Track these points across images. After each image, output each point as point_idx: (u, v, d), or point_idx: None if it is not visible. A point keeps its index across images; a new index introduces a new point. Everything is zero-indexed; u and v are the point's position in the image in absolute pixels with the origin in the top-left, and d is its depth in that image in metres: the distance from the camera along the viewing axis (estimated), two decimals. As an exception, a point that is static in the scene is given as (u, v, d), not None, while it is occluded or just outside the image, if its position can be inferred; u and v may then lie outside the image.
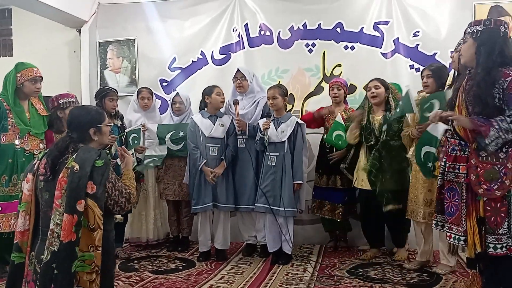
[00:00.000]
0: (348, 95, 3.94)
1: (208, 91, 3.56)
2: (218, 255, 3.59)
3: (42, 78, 3.13)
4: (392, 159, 3.20)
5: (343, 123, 3.51)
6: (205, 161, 3.46)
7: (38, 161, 1.92)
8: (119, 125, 3.67)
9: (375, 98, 3.34)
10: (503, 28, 2.18)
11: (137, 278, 3.16)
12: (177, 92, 3.90)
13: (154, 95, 4.01)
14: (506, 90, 2.08)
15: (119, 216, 3.40)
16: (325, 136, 3.68)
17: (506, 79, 2.09)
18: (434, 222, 2.44)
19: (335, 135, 3.52)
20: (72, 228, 1.70)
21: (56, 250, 1.71)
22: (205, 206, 3.47)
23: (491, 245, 2.13)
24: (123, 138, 3.58)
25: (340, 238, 3.86)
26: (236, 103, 3.51)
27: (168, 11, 4.55)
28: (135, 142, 3.58)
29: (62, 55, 4.95)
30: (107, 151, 3.18)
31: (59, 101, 3.28)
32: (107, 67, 4.70)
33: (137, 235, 3.96)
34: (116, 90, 3.76)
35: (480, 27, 2.20)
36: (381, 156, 3.22)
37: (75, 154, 1.82)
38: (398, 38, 3.98)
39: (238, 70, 3.62)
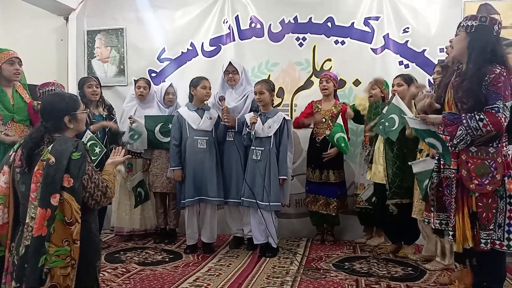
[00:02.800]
0: (337, 90, 3.95)
1: (194, 83, 3.54)
2: (205, 248, 3.58)
3: (20, 60, 3.02)
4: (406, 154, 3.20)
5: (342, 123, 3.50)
6: (179, 168, 3.45)
7: (14, 153, 1.83)
8: (104, 115, 3.61)
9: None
10: (497, 27, 2.19)
11: (123, 269, 3.13)
12: (171, 83, 3.86)
13: (151, 86, 3.96)
14: (488, 86, 2.11)
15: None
16: (318, 130, 3.71)
17: (490, 76, 2.11)
18: (437, 221, 2.37)
19: (337, 137, 3.49)
20: (44, 222, 1.63)
21: (28, 244, 1.66)
22: (192, 200, 3.45)
23: (483, 241, 2.15)
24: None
25: (327, 232, 3.87)
26: (222, 99, 3.49)
27: (158, 1, 4.50)
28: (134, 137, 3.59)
29: (49, 43, 4.85)
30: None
31: (40, 91, 3.24)
32: (95, 56, 4.63)
33: (121, 224, 3.93)
34: (95, 77, 3.71)
35: (475, 22, 2.20)
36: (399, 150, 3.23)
37: (50, 146, 1.74)
38: (388, 34, 4.00)
39: (230, 63, 3.58)
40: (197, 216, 3.57)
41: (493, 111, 2.07)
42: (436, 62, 3.58)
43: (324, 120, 3.68)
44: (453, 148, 2.20)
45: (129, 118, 3.73)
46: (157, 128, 3.70)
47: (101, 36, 4.61)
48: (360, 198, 3.64)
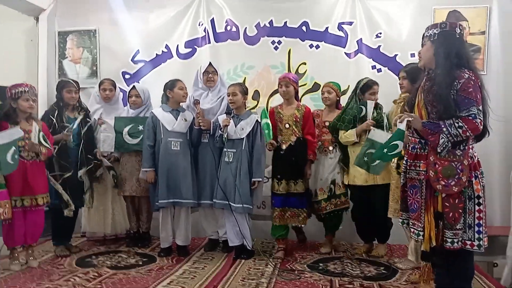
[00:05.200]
0: (311, 93, 4.00)
1: (170, 85, 3.51)
2: (179, 250, 3.54)
3: None
4: None
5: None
6: (152, 170, 3.42)
7: None
8: (79, 119, 3.53)
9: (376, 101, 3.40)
10: (459, 30, 2.27)
11: (95, 273, 3.06)
12: (133, 85, 3.82)
13: (117, 87, 3.90)
14: (458, 91, 2.17)
15: (67, 211, 3.33)
16: (283, 138, 3.44)
17: (460, 81, 2.17)
18: (400, 220, 2.51)
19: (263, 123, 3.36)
20: None
21: None
22: (166, 202, 3.40)
23: (449, 240, 2.21)
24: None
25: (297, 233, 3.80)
26: (196, 102, 3.47)
27: (133, 2, 4.46)
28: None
29: (18, 44, 4.72)
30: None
31: (11, 91, 3.15)
32: (66, 57, 4.54)
33: (94, 229, 3.86)
34: (76, 82, 3.64)
35: (437, 30, 2.28)
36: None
37: None
38: (361, 38, 4.07)
39: (210, 63, 3.58)
40: (171, 218, 3.53)
41: (470, 117, 2.13)
42: (407, 67, 3.67)
43: (287, 126, 3.45)
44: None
45: (98, 119, 3.67)
46: (126, 129, 3.64)
47: (73, 37, 4.53)
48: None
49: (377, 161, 2.75)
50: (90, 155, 3.57)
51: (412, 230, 2.38)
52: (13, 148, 2.89)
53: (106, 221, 3.83)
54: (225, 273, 3.07)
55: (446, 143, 2.17)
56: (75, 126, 3.44)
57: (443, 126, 2.16)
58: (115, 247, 3.77)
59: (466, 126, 2.13)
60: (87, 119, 3.62)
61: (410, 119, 2.29)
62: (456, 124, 2.14)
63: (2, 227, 3.13)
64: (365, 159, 2.86)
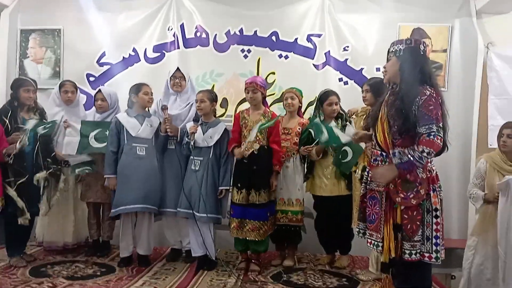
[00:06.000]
0: (278, 103, 4.01)
1: (135, 90, 3.43)
2: (140, 260, 3.44)
3: None
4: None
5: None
6: (114, 176, 3.33)
7: None
8: (35, 119, 3.36)
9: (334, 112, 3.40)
10: (423, 47, 2.34)
11: (49, 284, 2.93)
12: (99, 89, 3.71)
13: (78, 89, 3.77)
14: (420, 107, 2.22)
15: (22, 219, 3.16)
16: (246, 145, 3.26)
17: (422, 98, 2.22)
18: (357, 230, 2.55)
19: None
20: None
21: None
22: (127, 208, 3.29)
23: (407, 251, 2.25)
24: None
25: (251, 260, 3.41)
26: (164, 108, 3.41)
27: (101, 2, 4.35)
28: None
29: (-24, 40, 4.50)
30: None
31: None
32: (28, 57, 4.37)
33: (52, 238, 3.68)
34: (33, 81, 3.47)
35: (402, 46, 2.34)
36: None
37: None
38: (329, 51, 4.13)
39: (178, 69, 3.53)
40: (132, 227, 3.43)
41: (430, 137, 2.17)
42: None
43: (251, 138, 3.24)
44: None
45: (64, 122, 3.54)
46: (93, 133, 3.53)
47: (35, 35, 4.37)
48: None
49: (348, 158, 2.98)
50: (49, 159, 3.40)
51: (369, 240, 2.42)
52: None
53: (67, 229, 3.66)
54: (186, 285, 3.01)
55: (420, 170, 2.24)
56: (30, 127, 3.26)
57: (411, 159, 2.18)
58: (72, 256, 3.62)
59: (427, 148, 2.17)
60: (43, 119, 3.45)
61: (378, 179, 2.32)
62: (419, 150, 2.17)
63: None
64: (339, 156, 3.06)
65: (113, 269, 3.32)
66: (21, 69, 4.36)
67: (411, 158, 2.19)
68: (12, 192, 3.17)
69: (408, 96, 2.25)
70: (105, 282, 3.03)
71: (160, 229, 3.73)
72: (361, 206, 2.53)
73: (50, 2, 4.37)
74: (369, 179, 2.45)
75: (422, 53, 2.34)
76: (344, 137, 2.75)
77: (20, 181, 3.21)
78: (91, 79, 4.29)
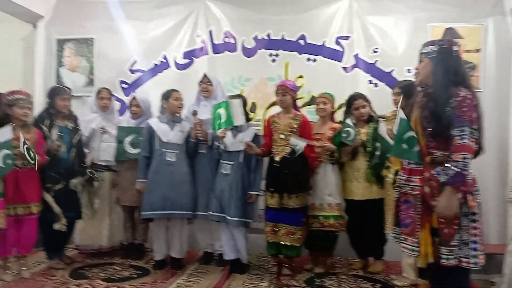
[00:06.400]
0: (307, 106, 4.01)
1: (165, 96, 3.50)
2: (173, 263, 3.51)
3: None
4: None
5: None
6: (144, 181, 3.40)
7: None
8: (70, 127, 3.48)
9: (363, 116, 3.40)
10: (456, 47, 2.29)
11: (88, 286, 3.03)
12: (134, 96, 3.81)
13: (113, 96, 3.89)
14: (454, 109, 2.18)
15: (57, 225, 3.26)
16: (277, 149, 3.31)
17: (456, 99, 2.18)
18: (392, 235, 2.50)
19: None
20: None
21: None
22: (157, 213, 3.36)
23: (444, 256, 2.21)
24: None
25: (283, 264, 3.41)
26: (194, 114, 3.47)
27: (131, 11, 4.46)
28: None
29: (16, 50, 4.70)
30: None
31: (7, 98, 3.11)
32: (64, 65, 4.53)
33: (88, 241, 3.79)
34: (69, 89, 3.59)
35: (435, 47, 2.29)
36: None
37: None
38: (358, 53, 4.11)
39: (205, 75, 3.60)
40: (165, 230, 3.49)
41: (462, 141, 2.12)
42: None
43: (282, 136, 3.30)
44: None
45: (101, 128, 3.65)
46: (128, 139, 3.63)
47: (70, 45, 4.53)
48: None
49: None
50: (84, 164, 3.51)
51: (403, 245, 2.38)
52: (5, 151, 2.81)
53: (102, 232, 3.77)
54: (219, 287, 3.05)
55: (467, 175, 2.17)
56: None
57: (460, 170, 2.11)
58: (109, 259, 3.72)
59: (465, 153, 2.13)
60: (77, 127, 3.56)
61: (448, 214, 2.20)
62: (465, 159, 2.10)
63: (-6, 236, 3.09)
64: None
65: (148, 272, 3.40)
66: (57, 77, 4.53)
67: (458, 170, 2.13)
68: (49, 198, 3.27)
69: (442, 98, 2.21)
70: (140, 284, 3.11)
71: (192, 232, 3.78)
72: (395, 211, 2.49)
73: (83, 12, 4.52)
74: (402, 182, 2.41)
75: (455, 54, 2.29)
76: None
77: (57, 188, 3.31)
78: (124, 86, 4.41)
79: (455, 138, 2.14)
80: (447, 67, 2.25)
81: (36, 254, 3.71)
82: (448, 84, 2.22)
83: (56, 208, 3.28)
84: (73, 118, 3.56)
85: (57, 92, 3.47)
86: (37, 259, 3.65)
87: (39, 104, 4.29)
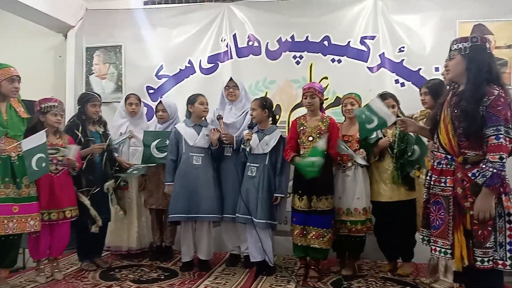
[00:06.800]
0: (332, 107, 3.98)
1: (191, 100, 3.55)
2: (201, 265, 3.54)
3: (19, 77, 2.99)
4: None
5: (321, 149, 3.10)
6: (171, 184, 3.43)
7: None
8: (101, 132, 3.59)
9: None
10: (488, 45, 2.23)
11: (118, 287, 3.08)
12: (160, 100, 3.88)
13: (141, 102, 3.97)
14: (487, 108, 2.11)
15: (94, 227, 3.35)
16: (305, 151, 3.25)
17: (489, 97, 2.12)
18: (420, 237, 2.44)
19: (309, 161, 3.11)
20: None
21: None
22: (184, 216, 3.40)
23: (479, 259, 2.14)
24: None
25: (310, 266, 3.38)
26: (219, 118, 3.50)
27: (156, 19, 4.56)
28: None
29: (47, 59, 4.90)
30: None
31: (41, 105, 3.22)
32: (93, 73, 4.66)
33: (118, 243, 3.87)
34: (99, 95, 3.68)
35: (467, 44, 2.22)
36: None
37: None
38: (384, 53, 4.05)
39: (231, 78, 3.63)
40: (192, 232, 3.53)
41: (498, 140, 2.06)
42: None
43: (311, 138, 3.28)
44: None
45: (128, 132, 3.73)
46: (154, 143, 3.69)
47: (99, 53, 4.66)
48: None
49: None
50: (115, 167, 3.59)
51: (433, 247, 2.31)
52: (40, 155, 2.89)
53: (131, 234, 3.84)
54: (247, 289, 3.05)
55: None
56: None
57: (497, 171, 2.05)
58: (138, 261, 3.79)
59: (502, 153, 2.07)
60: (106, 132, 3.65)
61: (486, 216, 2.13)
62: (502, 159, 2.05)
63: (28, 240, 3.19)
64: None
65: (176, 273, 3.44)
66: (87, 85, 4.67)
67: (495, 170, 2.06)
68: (86, 201, 3.36)
69: (475, 96, 2.15)
70: (169, 286, 3.14)
71: (218, 235, 3.81)
72: (424, 212, 2.42)
73: (110, 21, 4.65)
74: (431, 183, 2.35)
75: (488, 51, 2.23)
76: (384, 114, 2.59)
77: (93, 191, 3.40)
78: (151, 91, 4.50)
79: (491, 138, 2.08)
80: (481, 64, 2.18)
81: (67, 257, 3.82)
82: (482, 82, 2.16)
83: (93, 211, 3.36)
84: (103, 123, 3.66)
85: (87, 99, 3.56)
86: (69, 261, 3.76)
87: (70, 111, 4.45)
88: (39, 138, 2.93)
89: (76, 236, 3.55)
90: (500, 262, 2.14)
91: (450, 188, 2.24)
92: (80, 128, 3.45)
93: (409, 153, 3.21)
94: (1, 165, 2.88)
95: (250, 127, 3.47)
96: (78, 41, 4.69)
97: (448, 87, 2.43)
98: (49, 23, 4.53)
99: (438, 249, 2.28)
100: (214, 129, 3.47)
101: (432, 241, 2.33)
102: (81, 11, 4.69)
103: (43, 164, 2.92)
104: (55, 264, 3.34)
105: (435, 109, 2.47)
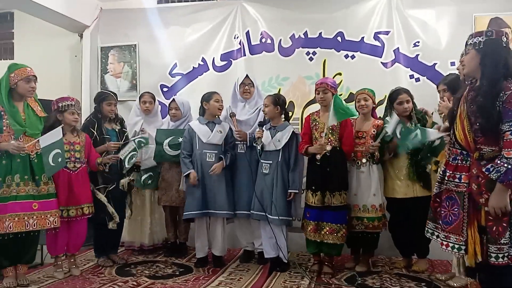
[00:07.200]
0: (347, 103, 3.94)
1: (206, 98, 3.56)
2: (215, 261, 3.57)
3: (36, 77, 3.05)
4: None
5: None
6: (192, 171, 3.43)
7: None
8: (117, 130, 3.64)
9: (406, 111, 3.31)
10: (505, 38, 2.18)
11: (134, 283, 3.13)
12: (173, 98, 3.91)
13: (156, 100, 4.01)
14: (504, 103, 2.08)
15: (112, 224, 3.40)
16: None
17: (506, 92, 2.08)
18: (426, 229, 2.44)
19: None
20: None
21: None
22: (198, 213, 3.43)
23: (493, 255, 2.11)
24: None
25: (324, 262, 3.38)
26: (233, 115, 3.52)
27: (170, 17, 4.59)
28: (141, 145, 3.53)
29: (63, 59, 4.99)
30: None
31: (58, 104, 3.27)
32: (108, 72, 4.72)
33: (131, 239, 3.94)
34: (115, 94, 3.73)
35: (482, 38, 2.19)
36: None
37: None
38: (398, 48, 4.01)
39: (247, 76, 3.63)
40: (206, 229, 3.56)
41: None
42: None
43: (323, 134, 3.24)
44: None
45: (141, 130, 3.78)
46: (167, 141, 3.73)
47: (114, 52, 4.71)
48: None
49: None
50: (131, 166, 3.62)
51: (445, 243, 2.29)
52: (56, 150, 2.93)
53: (143, 231, 3.90)
54: (260, 285, 3.07)
55: None
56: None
57: (510, 166, 2.02)
58: (152, 256, 3.84)
59: None
60: (123, 129, 3.70)
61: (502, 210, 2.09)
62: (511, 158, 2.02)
63: (46, 236, 3.25)
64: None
65: (190, 269, 3.47)
66: (102, 84, 4.73)
67: (510, 166, 2.03)
68: (103, 197, 3.42)
69: (491, 91, 2.11)
70: (183, 281, 3.18)
71: (232, 231, 3.83)
72: (432, 206, 2.41)
73: (125, 20, 4.70)
74: (446, 178, 2.33)
75: (504, 45, 2.19)
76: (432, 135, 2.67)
77: (110, 188, 3.47)
78: (165, 89, 4.54)
79: (507, 133, 2.05)
80: (497, 59, 2.15)
81: (84, 253, 3.89)
82: (498, 77, 2.13)
83: (110, 208, 3.42)
84: (119, 121, 3.71)
85: (103, 98, 3.61)
86: (86, 257, 3.83)
87: (86, 109, 4.53)
88: (56, 134, 2.98)
89: (93, 233, 3.61)
90: (516, 258, 2.11)
91: (464, 184, 2.22)
92: (96, 126, 3.51)
93: (424, 151, 3.16)
94: (20, 163, 2.94)
95: (260, 124, 3.47)
96: (93, 40, 4.76)
97: (465, 82, 2.39)
98: (65, 23, 4.61)
99: (451, 244, 2.26)
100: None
101: (443, 236, 2.31)
102: (96, 11, 4.75)
103: (59, 159, 2.96)
104: (72, 260, 3.40)
105: (452, 105, 2.44)
